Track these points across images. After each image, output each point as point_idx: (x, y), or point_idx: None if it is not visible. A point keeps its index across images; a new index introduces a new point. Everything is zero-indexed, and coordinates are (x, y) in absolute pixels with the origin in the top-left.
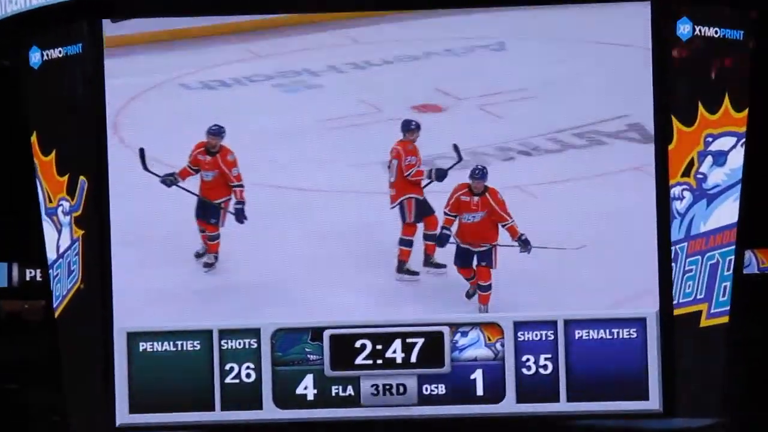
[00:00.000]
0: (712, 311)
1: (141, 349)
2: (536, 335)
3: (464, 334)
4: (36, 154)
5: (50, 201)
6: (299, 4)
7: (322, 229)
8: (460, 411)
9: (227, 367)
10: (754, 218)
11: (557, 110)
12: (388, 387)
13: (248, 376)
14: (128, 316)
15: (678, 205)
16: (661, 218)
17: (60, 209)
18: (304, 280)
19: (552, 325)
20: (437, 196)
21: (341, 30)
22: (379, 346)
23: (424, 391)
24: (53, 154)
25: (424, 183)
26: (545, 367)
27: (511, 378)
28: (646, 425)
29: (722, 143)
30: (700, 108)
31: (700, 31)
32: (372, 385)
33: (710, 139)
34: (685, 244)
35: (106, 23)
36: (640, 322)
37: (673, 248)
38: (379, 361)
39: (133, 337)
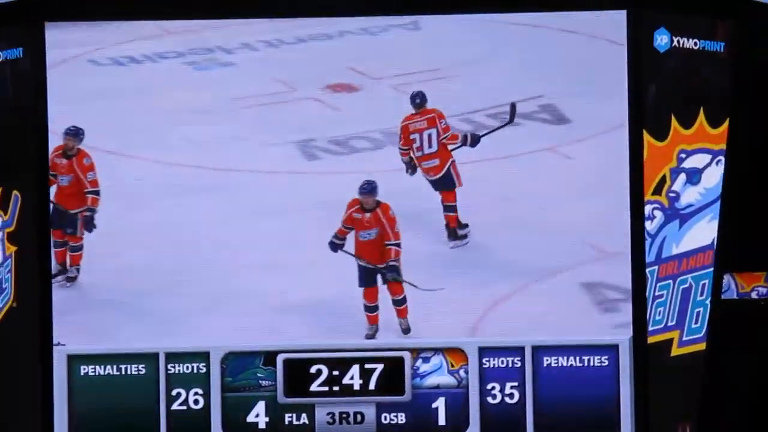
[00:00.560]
0: (684, 339)
1: (82, 372)
2: (502, 362)
3: (426, 359)
4: None
5: None
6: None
7: (236, 209)
8: None
9: (174, 392)
10: (732, 241)
11: (471, 91)
12: (344, 415)
13: (196, 402)
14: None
15: (648, 226)
16: (635, 239)
17: None
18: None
19: (519, 351)
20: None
21: None
22: (335, 372)
23: (383, 420)
24: None
25: (453, 147)
26: (511, 395)
27: (475, 407)
28: None
29: (696, 160)
30: (673, 121)
31: (678, 42)
32: (328, 413)
33: (683, 156)
34: (656, 267)
35: (49, 26)
36: (611, 350)
37: None
38: (336, 388)
39: (74, 360)
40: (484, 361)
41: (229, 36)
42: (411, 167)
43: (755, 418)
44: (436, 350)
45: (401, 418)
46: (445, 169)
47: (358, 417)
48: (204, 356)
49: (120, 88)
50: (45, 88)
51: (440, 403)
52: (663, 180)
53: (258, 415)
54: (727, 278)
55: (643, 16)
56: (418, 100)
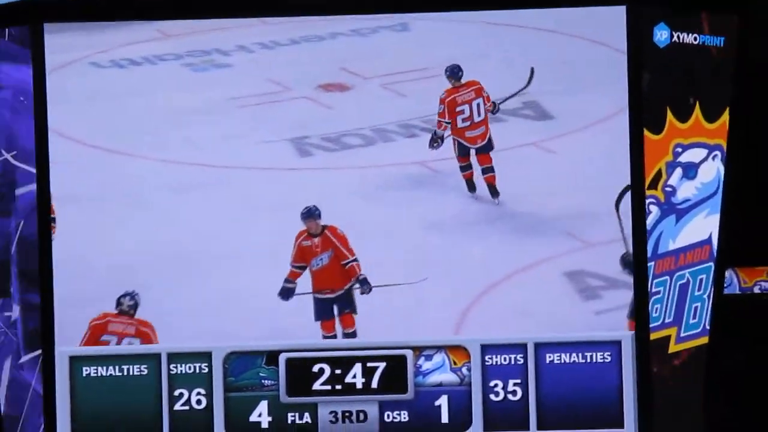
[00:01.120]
0: (681, 335)
1: (84, 373)
2: (505, 359)
3: (428, 357)
4: None
5: None
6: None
7: (233, 204)
8: None
9: (176, 392)
10: (735, 236)
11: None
12: (347, 414)
13: (199, 402)
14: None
15: None
16: (637, 233)
17: None
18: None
19: (522, 348)
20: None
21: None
22: (338, 371)
23: (386, 419)
24: None
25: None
26: (514, 392)
27: (478, 404)
28: None
29: (693, 155)
30: (669, 114)
31: (678, 37)
32: (330, 412)
33: (680, 150)
34: (652, 263)
35: (51, 29)
36: (614, 346)
37: None
38: (338, 387)
39: (76, 361)
40: (486, 358)
41: (225, 38)
42: (440, 140)
43: (758, 413)
44: (439, 348)
45: (404, 416)
46: (489, 134)
47: (361, 415)
48: (206, 356)
49: (120, 90)
50: (44, 89)
51: (443, 401)
52: (659, 174)
53: (261, 414)
54: (729, 273)
55: (643, 11)
56: (460, 73)
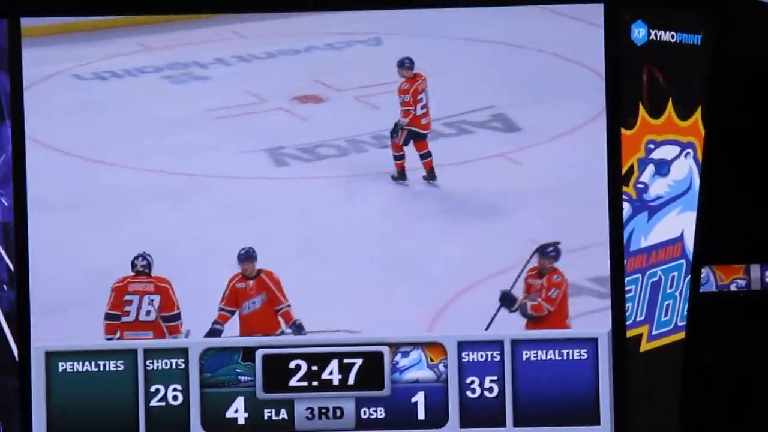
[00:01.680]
0: (653, 333)
1: (60, 369)
2: (481, 356)
3: (405, 354)
4: None
5: None
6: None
7: (211, 212)
8: None
9: (153, 388)
10: (711, 234)
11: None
12: (324, 410)
13: (175, 398)
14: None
15: None
16: (613, 228)
17: None
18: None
19: (498, 345)
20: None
21: (228, 25)
22: (314, 367)
23: (363, 415)
24: None
25: None
26: (491, 389)
27: (454, 401)
28: None
29: (665, 151)
30: (641, 110)
31: (655, 35)
32: (307, 408)
33: (652, 146)
34: (624, 261)
35: (30, 43)
36: (591, 343)
37: None
38: (315, 383)
39: (52, 357)
40: (463, 355)
41: (203, 51)
42: (399, 130)
43: (733, 410)
44: (416, 345)
45: (380, 412)
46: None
47: (338, 412)
48: (183, 352)
49: (102, 101)
50: (21, 97)
51: (420, 398)
52: (630, 170)
53: (237, 410)
54: (706, 271)
55: (620, 9)
56: (410, 63)
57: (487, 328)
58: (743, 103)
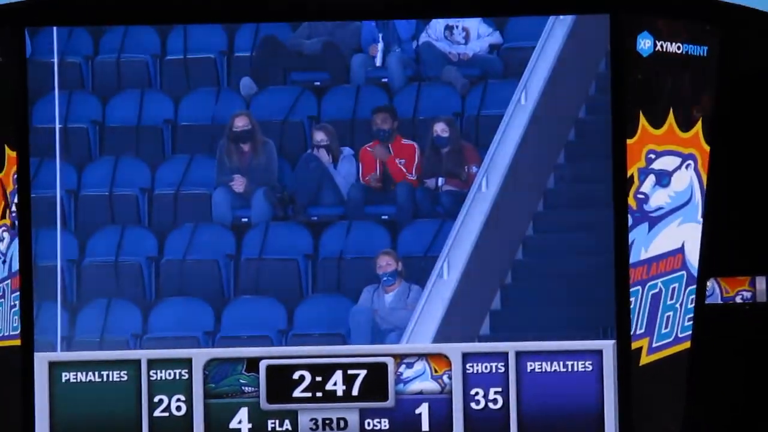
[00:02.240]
0: (653, 346)
1: (64, 379)
2: (486, 367)
3: (409, 365)
4: None
5: None
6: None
7: None
8: None
9: (156, 399)
10: (717, 246)
11: None
12: (327, 421)
13: (178, 408)
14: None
15: None
16: (618, 240)
17: None
18: None
19: (503, 356)
20: None
21: None
22: (318, 378)
23: (367, 426)
24: None
25: None
26: (495, 401)
27: (458, 413)
28: None
29: (666, 162)
30: (642, 119)
31: (662, 46)
32: (311, 420)
33: (652, 156)
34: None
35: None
36: (596, 355)
37: None
38: (319, 394)
39: (56, 367)
40: (467, 366)
41: None
42: None
43: (740, 423)
44: (420, 356)
45: (384, 423)
46: None
47: (342, 423)
48: (186, 362)
49: None
50: (26, 97)
51: (424, 409)
52: (631, 180)
53: (241, 421)
54: (711, 283)
55: (626, 20)
56: None
57: None
58: (749, 115)
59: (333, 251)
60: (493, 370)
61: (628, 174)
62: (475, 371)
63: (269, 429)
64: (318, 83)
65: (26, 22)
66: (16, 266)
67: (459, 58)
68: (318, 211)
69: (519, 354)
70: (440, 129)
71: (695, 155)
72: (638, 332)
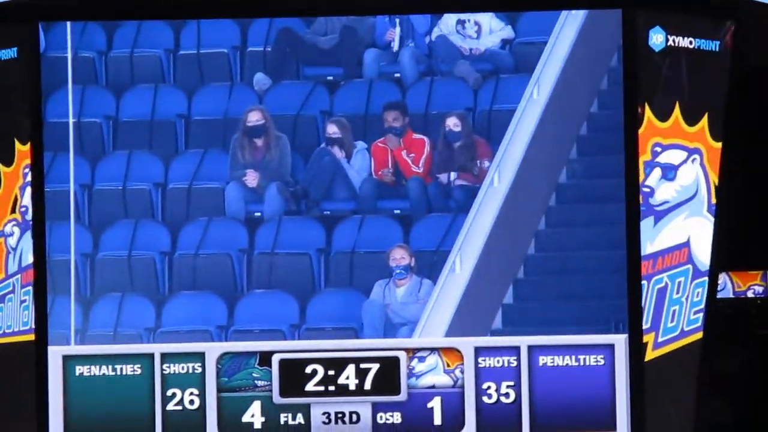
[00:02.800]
0: (659, 341)
1: (77, 373)
2: (498, 361)
3: (422, 359)
4: None
5: None
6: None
7: None
8: None
9: (169, 392)
10: (728, 240)
11: None
12: (340, 415)
13: (192, 402)
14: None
15: None
16: (630, 233)
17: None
18: None
19: (515, 350)
20: None
21: None
22: (331, 372)
23: (379, 420)
24: None
25: None
26: (507, 395)
27: (470, 407)
28: None
29: (671, 156)
30: (647, 110)
31: (674, 41)
32: (323, 413)
33: (658, 149)
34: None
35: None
36: (608, 348)
37: None
38: (332, 388)
39: (69, 361)
40: (479, 360)
41: None
42: None
43: (751, 417)
44: (432, 350)
45: (397, 417)
46: None
47: (354, 416)
48: (199, 356)
49: None
50: (39, 91)
51: (436, 403)
52: None
53: (253, 415)
54: (723, 277)
55: (638, 14)
56: None
57: None
58: (762, 110)
59: (345, 245)
60: (506, 364)
61: None
62: (487, 365)
63: (282, 423)
64: (331, 78)
65: (40, 17)
66: (26, 261)
67: (471, 52)
68: (331, 205)
69: (531, 348)
70: (452, 123)
71: (701, 150)
72: (644, 327)
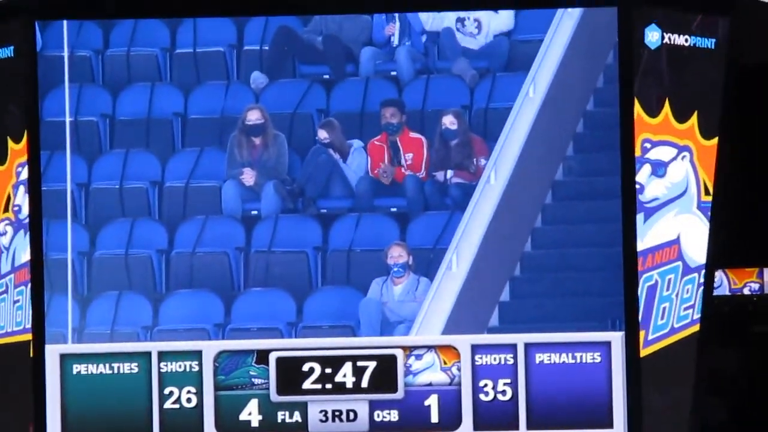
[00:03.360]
0: (649, 338)
1: (75, 371)
2: (495, 359)
3: (419, 357)
4: None
5: None
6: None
7: None
8: None
9: (167, 391)
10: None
11: None
12: (337, 413)
13: (189, 400)
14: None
15: None
16: (627, 228)
17: None
18: None
19: (512, 348)
20: None
21: None
22: (328, 370)
23: (376, 418)
24: None
25: None
26: (504, 392)
27: (467, 404)
28: None
29: (661, 153)
30: (637, 105)
31: (669, 39)
32: (320, 411)
33: (648, 146)
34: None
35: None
36: (604, 346)
37: None
38: (329, 386)
39: (67, 359)
40: (476, 358)
41: None
42: None
43: (747, 414)
44: (429, 347)
45: (394, 415)
46: None
47: (351, 414)
48: (197, 354)
49: None
50: (36, 90)
51: (433, 401)
52: None
53: (251, 413)
54: (719, 274)
55: (634, 12)
56: None
57: None
58: (757, 107)
59: (342, 243)
60: (502, 362)
61: None
62: (484, 363)
63: (279, 421)
64: (327, 76)
65: (37, 16)
66: (19, 261)
67: (470, 49)
68: (327, 203)
69: (528, 345)
70: (449, 121)
71: (691, 147)
72: None
